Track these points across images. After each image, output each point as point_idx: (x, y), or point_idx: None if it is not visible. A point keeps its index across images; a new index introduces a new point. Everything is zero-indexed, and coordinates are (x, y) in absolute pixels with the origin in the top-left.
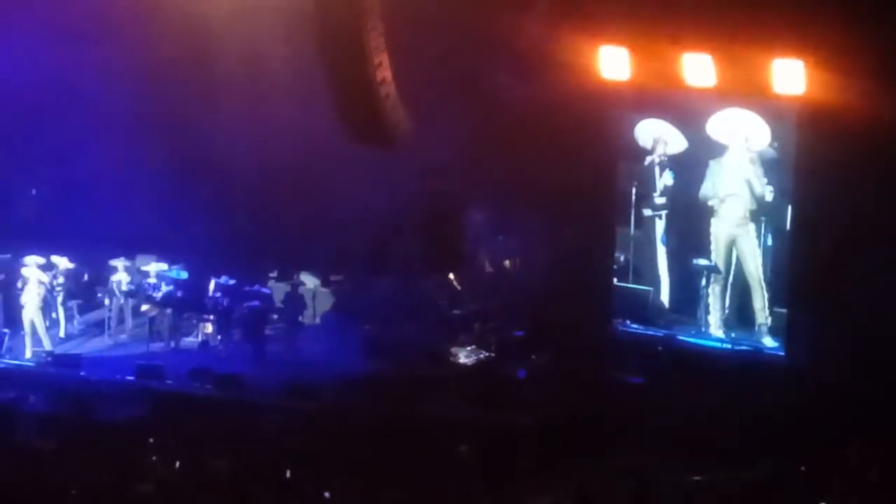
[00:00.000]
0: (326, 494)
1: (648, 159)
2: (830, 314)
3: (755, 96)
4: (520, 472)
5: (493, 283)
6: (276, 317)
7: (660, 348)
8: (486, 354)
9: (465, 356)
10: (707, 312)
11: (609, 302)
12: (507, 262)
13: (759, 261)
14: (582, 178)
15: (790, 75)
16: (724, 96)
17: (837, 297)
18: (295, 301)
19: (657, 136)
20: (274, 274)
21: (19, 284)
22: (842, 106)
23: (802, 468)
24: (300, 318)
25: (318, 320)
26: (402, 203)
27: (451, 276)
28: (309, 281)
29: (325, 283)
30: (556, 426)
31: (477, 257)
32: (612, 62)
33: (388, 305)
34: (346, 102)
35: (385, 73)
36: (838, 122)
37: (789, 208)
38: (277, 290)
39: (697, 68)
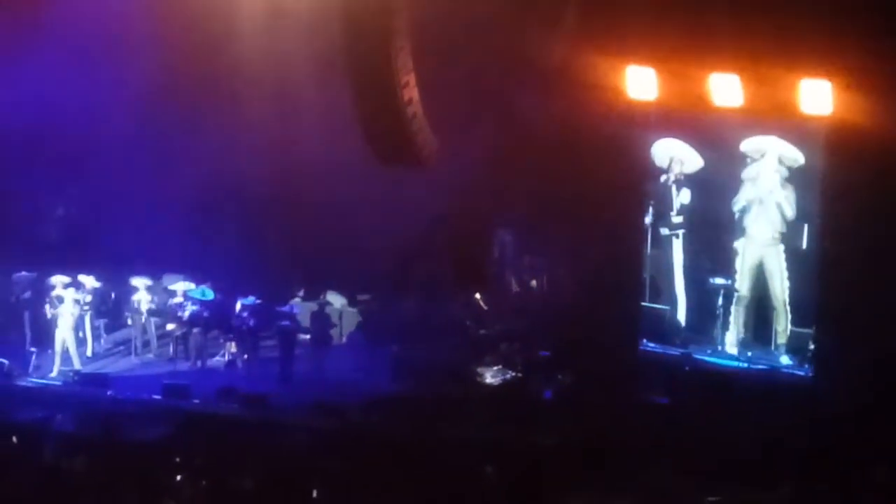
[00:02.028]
0: None
1: (663, 178)
2: (857, 335)
3: (783, 117)
4: (546, 493)
5: (520, 303)
6: (306, 336)
7: (686, 368)
8: (513, 375)
9: (491, 376)
10: (724, 331)
11: (636, 322)
12: (533, 282)
13: (787, 282)
14: (609, 198)
15: (818, 96)
16: (750, 117)
17: (864, 318)
18: (321, 321)
19: (672, 154)
20: (301, 293)
21: (48, 303)
22: (869, 126)
23: (827, 489)
24: (326, 338)
25: (344, 340)
26: (428, 223)
27: (478, 296)
28: (336, 301)
29: (352, 302)
30: (583, 447)
31: (503, 277)
32: (639, 82)
33: (415, 325)
34: (372, 122)
35: (412, 92)
36: (866, 142)
37: (805, 229)
38: (304, 309)
39: (725, 89)
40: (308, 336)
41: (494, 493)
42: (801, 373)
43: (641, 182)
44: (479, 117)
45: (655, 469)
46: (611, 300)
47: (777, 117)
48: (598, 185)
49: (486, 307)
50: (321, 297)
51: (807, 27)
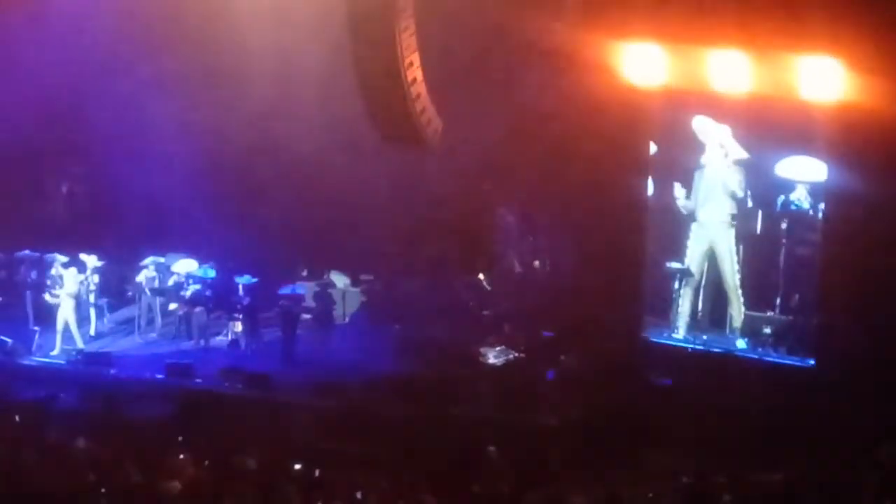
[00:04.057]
0: (358, 495)
1: None
2: (859, 318)
3: (788, 96)
4: (548, 474)
5: (523, 284)
6: (308, 316)
7: (689, 350)
8: (515, 355)
9: (494, 357)
10: (679, 314)
11: (639, 303)
12: (536, 263)
13: (736, 266)
14: (613, 179)
15: (825, 75)
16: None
17: (865, 301)
18: (324, 301)
19: None
20: (304, 273)
21: (48, 282)
22: (877, 107)
23: (829, 469)
24: (329, 318)
25: (347, 320)
26: (431, 203)
27: (481, 276)
28: (339, 280)
29: (355, 282)
30: (585, 427)
31: (506, 258)
32: (643, 61)
33: (418, 305)
34: (377, 103)
35: (416, 73)
36: (873, 123)
37: (759, 214)
38: (307, 289)
39: (730, 67)
40: (311, 316)
41: (497, 473)
42: (806, 361)
43: (645, 160)
44: (483, 98)
45: (657, 449)
46: (613, 281)
47: (781, 97)
48: (602, 165)
49: (489, 288)
50: (324, 277)
51: (814, 4)
